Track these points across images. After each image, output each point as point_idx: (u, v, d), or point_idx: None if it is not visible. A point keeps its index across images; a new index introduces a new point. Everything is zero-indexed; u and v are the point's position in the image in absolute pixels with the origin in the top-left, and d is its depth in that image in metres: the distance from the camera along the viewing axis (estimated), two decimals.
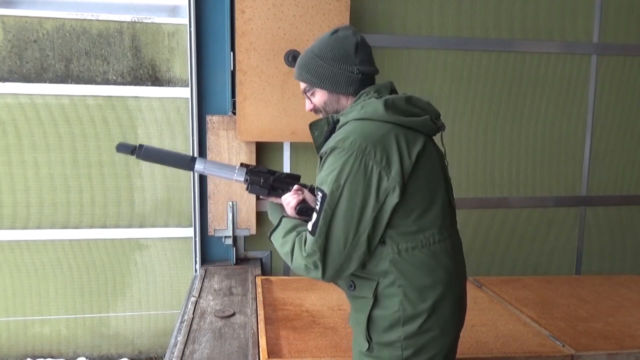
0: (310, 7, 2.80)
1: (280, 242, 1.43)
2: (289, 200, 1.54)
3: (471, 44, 3.24)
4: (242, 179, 1.67)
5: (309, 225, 1.35)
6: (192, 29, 2.86)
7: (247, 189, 1.67)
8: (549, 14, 3.29)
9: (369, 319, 1.38)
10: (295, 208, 1.51)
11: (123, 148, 1.66)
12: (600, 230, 3.57)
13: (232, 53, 2.96)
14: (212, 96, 3.04)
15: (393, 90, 1.47)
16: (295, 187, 1.60)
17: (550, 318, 2.45)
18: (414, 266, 1.34)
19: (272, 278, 2.90)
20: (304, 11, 2.80)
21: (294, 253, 1.37)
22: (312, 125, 1.49)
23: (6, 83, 2.89)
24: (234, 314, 2.40)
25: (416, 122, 1.36)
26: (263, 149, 3.09)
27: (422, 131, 1.38)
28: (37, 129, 2.94)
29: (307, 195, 1.60)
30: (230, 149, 3.00)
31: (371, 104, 1.36)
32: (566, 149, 3.45)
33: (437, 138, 1.48)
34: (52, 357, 3.14)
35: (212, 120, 2.99)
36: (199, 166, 1.68)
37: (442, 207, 1.38)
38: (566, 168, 3.47)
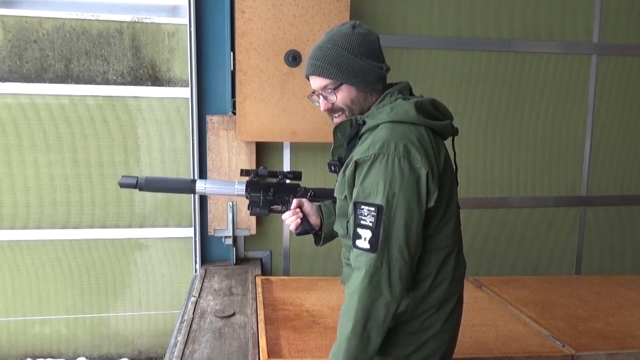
0: (310, 7, 2.80)
1: (345, 328, 1.27)
2: (289, 222, 1.58)
3: (471, 44, 3.24)
4: (243, 194, 1.72)
5: (362, 244, 1.26)
6: (192, 29, 2.86)
7: (248, 209, 1.72)
8: (549, 14, 3.29)
9: None
10: (296, 233, 1.58)
11: (126, 183, 1.71)
12: (600, 230, 3.57)
13: (232, 53, 2.96)
14: (212, 96, 3.04)
15: (411, 91, 1.46)
16: (294, 204, 1.60)
17: (550, 318, 2.45)
18: (424, 270, 1.35)
19: (272, 278, 2.91)
20: (304, 11, 2.80)
21: (356, 289, 1.25)
22: (337, 128, 1.43)
23: (6, 83, 2.89)
24: (234, 314, 2.40)
25: (441, 125, 1.36)
26: (263, 149, 3.09)
27: (442, 135, 1.39)
28: (37, 129, 2.94)
29: (307, 207, 1.62)
30: (230, 149, 3.00)
31: (401, 106, 1.32)
32: (566, 149, 3.45)
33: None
34: (52, 357, 3.14)
35: (212, 120, 2.99)
36: (199, 187, 1.73)
37: (455, 208, 1.41)
38: (566, 168, 3.47)
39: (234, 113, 2.96)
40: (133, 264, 3.14)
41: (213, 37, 2.99)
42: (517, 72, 3.32)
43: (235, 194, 1.73)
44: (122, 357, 3.20)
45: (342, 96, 1.40)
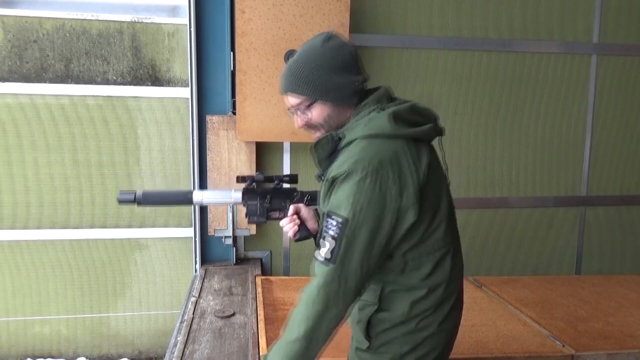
0: (310, 7, 2.80)
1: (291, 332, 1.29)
2: (286, 229, 1.56)
3: (471, 44, 3.24)
4: (240, 202, 1.73)
5: (323, 253, 1.26)
6: (192, 29, 2.86)
7: (246, 217, 1.73)
8: (549, 14, 3.29)
9: (370, 321, 1.40)
10: (295, 239, 1.56)
11: (124, 199, 1.70)
12: (600, 230, 3.57)
13: (232, 53, 2.96)
14: (212, 96, 3.04)
15: (391, 97, 1.42)
16: (291, 210, 1.59)
17: (550, 318, 2.45)
18: (419, 274, 1.35)
19: (272, 278, 2.91)
20: (304, 11, 2.80)
21: (309, 297, 1.26)
22: (316, 146, 1.41)
23: (6, 83, 2.89)
24: (234, 314, 2.41)
25: (422, 132, 1.34)
26: (263, 149, 3.09)
27: (425, 139, 1.36)
28: (37, 129, 2.94)
29: (304, 212, 1.61)
30: (230, 149, 3.00)
31: (377, 119, 1.30)
32: (566, 149, 3.45)
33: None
34: (52, 357, 3.14)
35: (212, 120, 2.99)
36: (197, 197, 1.74)
37: (446, 211, 1.38)
38: (566, 168, 3.47)
39: (234, 113, 2.96)
40: (133, 264, 3.14)
41: (213, 37, 2.99)
42: (517, 72, 3.32)
43: (232, 202, 1.75)
44: (122, 357, 3.20)
45: (317, 113, 1.38)
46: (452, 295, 1.40)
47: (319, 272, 1.27)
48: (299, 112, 1.41)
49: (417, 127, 1.34)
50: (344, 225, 1.24)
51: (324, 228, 1.29)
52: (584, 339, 2.25)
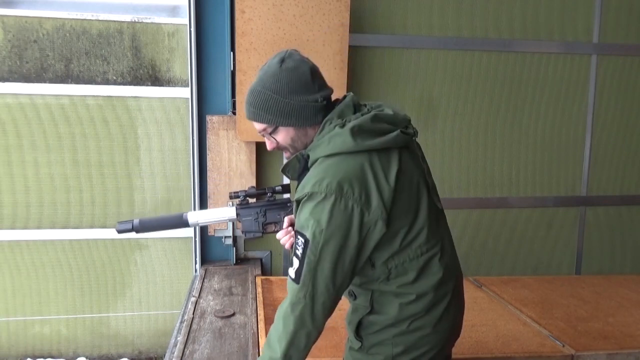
0: (310, 7, 2.80)
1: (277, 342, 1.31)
2: (283, 242, 1.56)
3: (471, 44, 3.24)
4: (235, 219, 1.73)
5: (291, 272, 1.28)
6: (192, 29, 2.86)
7: (242, 233, 1.74)
8: (549, 14, 3.30)
9: (361, 322, 1.41)
10: (291, 250, 1.57)
11: (122, 229, 1.70)
12: (600, 230, 3.57)
13: (232, 53, 2.96)
14: (212, 96, 3.04)
15: (356, 105, 1.39)
16: (286, 222, 1.59)
17: (550, 318, 2.46)
18: (406, 279, 1.35)
19: (272, 278, 2.91)
20: (304, 11, 2.80)
21: (282, 315, 1.30)
22: (285, 169, 1.41)
23: (6, 83, 2.89)
24: (234, 314, 2.41)
25: (387, 141, 1.30)
26: (263, 149, 3.08)
27: (394, 147, 1.32)
28: (37, 129, 2.94)
29: None
30: (230, 149, 3.00)
31: (338, 136, 1.28)
32: (566, 149, 3.45)
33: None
34: (52, 357, 3.14)
35: (212, 120, 2.99)
36: (192, 220, 1.73)
37: (427, 215, 1.35)
38: (566, 168, 3.47)
39: (234, 113, 2.96)
40: (133, 264, 3.14)
41: (213, 37, 2.99)
42: (517, 72, 3.32)
43: (228, 219, 1.75)
44: (122, 357, 3.20)
45: (282, 137, 1.38)
46: (444, 297, 1.39)
47: (289, 290, 1.29)
48: (266, 136, 1.41)
49: (384, 135, 1.30)
50: (306, 246, 1.25)
51: (294, 246, 1.30)
52: (583, 339, 2.25)
